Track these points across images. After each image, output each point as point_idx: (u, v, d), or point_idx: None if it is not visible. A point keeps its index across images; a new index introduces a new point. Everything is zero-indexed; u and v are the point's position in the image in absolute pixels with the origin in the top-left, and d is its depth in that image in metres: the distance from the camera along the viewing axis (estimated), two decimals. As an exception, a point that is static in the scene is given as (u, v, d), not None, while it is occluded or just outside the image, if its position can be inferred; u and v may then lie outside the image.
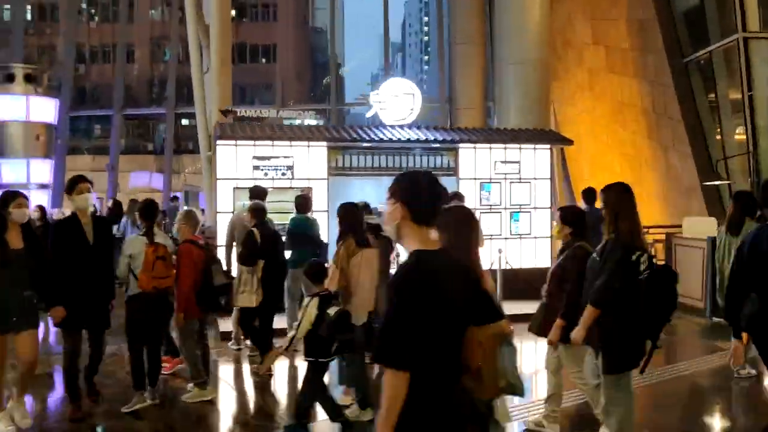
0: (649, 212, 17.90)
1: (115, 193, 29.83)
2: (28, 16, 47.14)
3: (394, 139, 10.33)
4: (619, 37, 19.52)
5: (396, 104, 10.63)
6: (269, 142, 10.10)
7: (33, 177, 22.77)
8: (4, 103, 22.44)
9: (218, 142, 9.90)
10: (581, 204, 9.39)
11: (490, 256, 9.97)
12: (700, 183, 15.12)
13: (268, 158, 10.14)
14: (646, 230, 13.00)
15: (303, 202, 8.23)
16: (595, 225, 9.20)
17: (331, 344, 4.90)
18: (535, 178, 11.35)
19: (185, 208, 6.92)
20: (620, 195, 4.16)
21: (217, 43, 18.19)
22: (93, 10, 47.40)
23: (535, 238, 11.39)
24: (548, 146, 11.32)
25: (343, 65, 74.40)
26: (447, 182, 10.92)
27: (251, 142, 10.04)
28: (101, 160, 33.37)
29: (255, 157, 10.08)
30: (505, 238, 11.23)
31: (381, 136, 10.35)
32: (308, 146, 10.30)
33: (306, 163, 10.31)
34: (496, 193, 11.20)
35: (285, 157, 10.20)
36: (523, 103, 15.15)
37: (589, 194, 9.21)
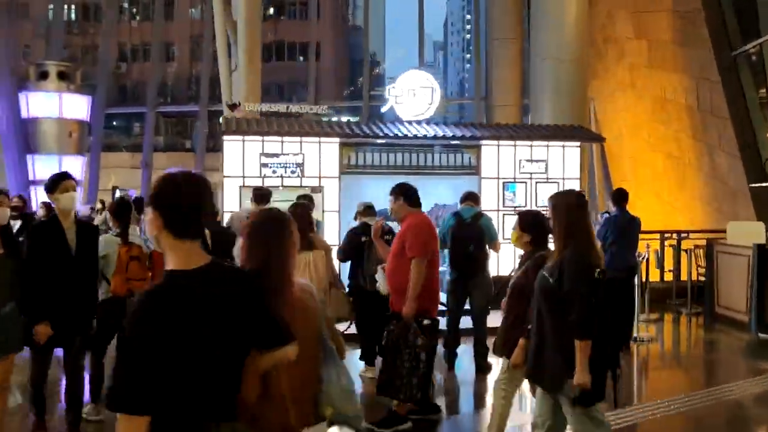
0: (693, 215, 16.92)
1: (150, 191, 29.85)
2: (73, 16, 47.96)
3: (411, 135, 9.71)
4: (662, 31, 18.55)
5: (413, 98, 9.99)
6: (278, 138, 9.59)
7: (65, 173, 22.76)
8: (38, 100, 22.51)
9: (224, 137, 9.43)
10: (610, 206, 8.61)
11: (513, 262, 9.27)
12: (748, 185, 14.09)
13: (277, 155, 9.63)
14: (685, 235, 12.22)
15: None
16: (625, 230, 8.48)
17: None
18: (563, 178, 10.59)
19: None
20: (572, 206, 3.61)
21: (245, 41, 17.85)
22: (135, 10, 47.89)
23: (563, 242, 10.61)
24: (578, 144, 10.55)
25: (383, 63, 73.92)
26: (469, 182, 10.27)
27: (259, 138, 9.54)
28: (139, 158, 33.59)
29: (263, 154, 9.58)
30: (530, 242, 10.48)
31: (396, 132, 9.73)
32: (319, 142, 9.75)
33: (317, 161, 9.77)
34: (521, 194, 10.48)
35: (295, 154, 9.68)
36: (559, 100, 14.49)
37: (618, 196, 8.43)
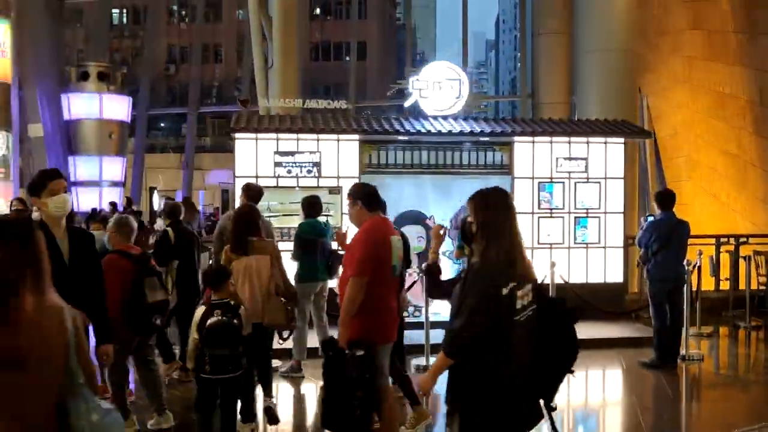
0: (754, 218, 15.67)
1: (189, 191, 29.89)
2: (124, 20, 48.79)
3: (436, 131, 8.97)
4: (721, 20, 17.33)
5: (439, 92, 9.25)
6: (293, 136, 8.99)
7: (105, 174, 22.83)
8: (79, 102, 22.60)
9: (236, 135, 8.87)
10: (655, 209, 7.69)
11: (548, 268, 8.42)
12: (816, 185, 12.84)
13: (292, 154, 9.03)
14: (745, 239, 11.12)
15: (311, 203, 7.04)
16: (671, 236, 7.57)
17: (212, 359, 4.47)
18: (605, 178, 9.68)
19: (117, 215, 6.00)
20: (490, 206, 3.19)
21: (279, 38, 17.38)
22: (184, 12, 48.39)
23: (605, 247, 9.71)
24: (621, 140, 9.62)
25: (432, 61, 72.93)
26: (500, 182, 9.46)
27: (273, 136, 8.95)
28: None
29: (277, 153, 9.00)
30: (569, 248, 9.62)
31: (420, 128, 9.01)
32: (338, 140, 9.11)
33: (335, 160, 9.13)
34: (559, 195, 9.62)
35: (311, 152, 9.06)
36: (606, 94, 13.65)
37: (663, 198, 7.52)
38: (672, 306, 7.47)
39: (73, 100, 22.54)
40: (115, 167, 23.20)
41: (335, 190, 9.14)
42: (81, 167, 22.71)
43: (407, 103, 9.38)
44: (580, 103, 15.03)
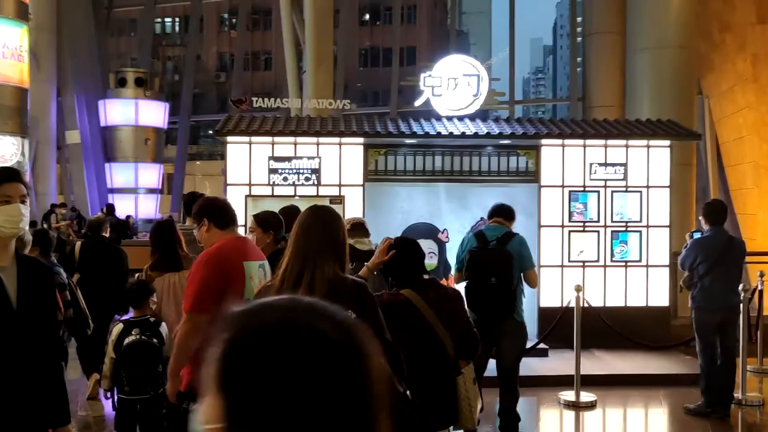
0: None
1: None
2: (176, 28, 49.34)
3: (450, 133, 7.92)
4: (792, 12, 15.69)
5: (454, 90, 8.21)
6: (290, 140, 8.08)
7: (141, 181, 22.53)
8: (115, 108, 22.39)
9: (228, 138, 8.03)
10: (703, 224, 6.42)
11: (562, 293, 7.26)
12: None
13: (289, 159, 8.14)
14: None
15: (291, 213, 6.05)
16: (722, 256, 6.32)
17: (130, 379, 4.24)
18: (647, 186, 8.43)
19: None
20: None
21: (312, 42, 16.60)
22: (234, 20, 48.53)
23: (647, 266, 8.45)
24: (667, 143, 8.35)
25: (490, 69, 71.47)
26: (525, 191, 8.34)
27: (268, 140, 8.07)
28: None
29: (272, 158, 8.11)
30: (604, 266, 8.40)
31: (432, 130, 7.98)
32: (339, 144, 8.17)
33: (337, 166, 8.19)
34: (593, 206, 8.43)
35: (310, 157, 8.14)
36: (659, 96, 12.39)
37: (711, 211, 6.26)
38: (723, 341, 6.20)
39: (110, 107, 22.35)
40: (151, 174, 22.88)
41: (337, 200, 8.19)
42: (117, 174, 22.49)
43: (418, 103, 8.36)
44: (631, 105, 13.74)
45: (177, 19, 48.78)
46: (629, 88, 14.59)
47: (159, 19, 48.16)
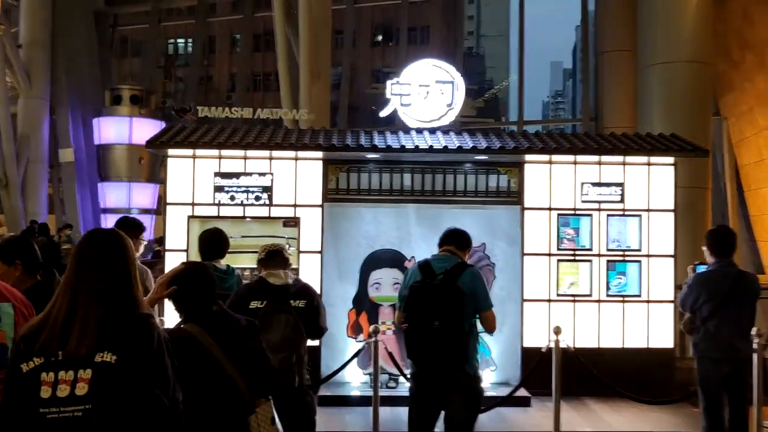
0: None
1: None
2: (189, 49, 49.16)
3: (416, 147, 6.93)
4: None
5: (426, 98, 7.24)
6: (240, 153, 7.15)
7: (134, 201, 21.79)
8: (109, 126, 21.76)
9: (170, 152, 7.11)
10: (708, 255, 5.32)
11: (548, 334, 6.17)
12: None
13: (237, 175, 7.19)
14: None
15: (209, 240, 5.08)
16: (730, 295, 5.24)
17: None
18: (648, 210, 7.36)
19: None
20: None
21: (306, 56, 15.77)
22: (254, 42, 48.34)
23: (648, 301, 7.34)
24: (670, 161, 7.29)
25: (506, 90, 70.75)
26: (507, 213, 7.31)
27: (215, 153, 7.14)
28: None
29: (218, 174, 7.18)
30: (598, 301, 7.31)
31: (395, 144, 7.00)
32: (295, 159, 7.22)
33: (292, 183, 7.23)
34: (585, 232, 7.38)
35: (261, 174, 7.20)
36: (671, 113, 11.46)
37: (718, 240, 5.18)
38: (732, 398, 5.08)
39: (104, 125, 21.71)
40: (144, 194, 22.14)
41: (291, 222, 7.24)
42: (110, 193, 21.79)
43: (384, 113, 7.38)
44: (643, 123, 12.68)
45: (189, 40, 48.62)
46: (641, 106, 13.60)
47: (172, 40, 48.13)
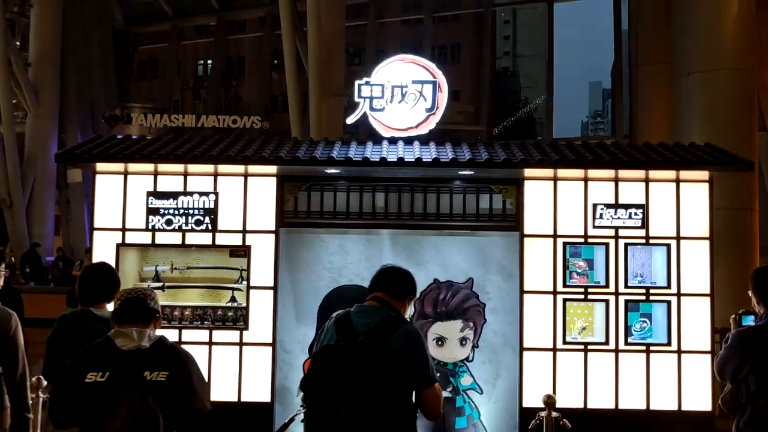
0: None
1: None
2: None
3: (385, 161, 5.66)
4: None
5: (400, 101, 6.00)
6: (180, 168, 5.98)
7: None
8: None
9: (98, 166, 5.99)
10: (755, 304, 3.90)
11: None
12: None
13: (174, 195, 6.02)
14: None
15: (91, 278, 3.88)
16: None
17: None
18: (678, 237, 5.95)
19: None
20: None
21: (315, 72, 14.70)
22: (276, 61, 47.90)
23: (679, 351, 5.90)
24: (705, 177, 5.88)
25: (545, 111, 69.01)
26: (502, 241, 6.01)
27: (150, 168, 5.99)
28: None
29: (152, 194, 6.02)
30: (616, 350, 5.90)
31: (358, 156, 5.73)
32: (245, 175, 6.03)
33: (240, 205, 6.04)
34: (600, 265, 5.99)
35: (203, 193, 6.02)
36: (711, 124, 10.12)
37: (764, 281, 3.78)
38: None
39: (111, 144, 20.93)
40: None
41: (240, 252, 6.03)
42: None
43: (351, 119, 6.13)
44: (679, 132, 11.27)
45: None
46: (678, 119, 12.19)
47: (201, 60, 47.92)
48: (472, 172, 5.71)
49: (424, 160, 5.48)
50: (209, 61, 49.76)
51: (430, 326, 5.76)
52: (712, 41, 10.92)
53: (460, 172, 5.72)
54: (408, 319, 3.20)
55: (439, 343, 5.76)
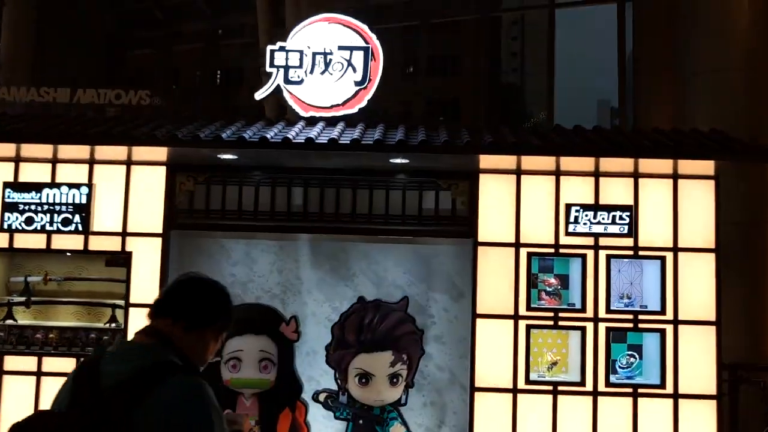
0: None
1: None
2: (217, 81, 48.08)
3: (289, 142, 4.37)
4: None
5: (323, 72, 4.75)
6: (47, 151, 4.74)
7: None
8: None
9: (-56, 153, 4.75)
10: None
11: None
12: None
13: (38, 187, 4.78)
14: None
15: None
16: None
17: None
18: (675, 249, 4.66)
19: None
20: None
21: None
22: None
23: (675, 396, 4.58)
24: (710, 172, 4.59)
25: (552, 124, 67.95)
26: (454, 251, 4.70)
27: (10, 151, 4.76)
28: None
29: (9, 186, 4.78)
30: (593, 393, 4.58)
31: (262, 136, 4.45)
32: (127, 163, 4.78)
33: (121, 201, 4.79)
34: (575, 282, 4.70)
35: (73, 185, 4.77)
36: (718, 125, 8.70)
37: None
38: None
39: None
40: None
41: (119, 259, 4.77)
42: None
43: (260, 94, 4.86)
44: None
45: (218, 72, 47.50)
46: (685, 122, 10.96)
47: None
48: (406, 161, 4.44)
49: (340, 142, 4.20)
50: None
51: (351, 359, 4.46)
52: (717, 42, 9.76)
53: (392, 160, 4.45)
54: (197, 367, 1.90)
55: (363, 380, 4.46)
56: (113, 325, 4.87)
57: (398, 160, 4.41)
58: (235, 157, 4.46)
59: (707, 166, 4.52)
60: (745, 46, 9.66)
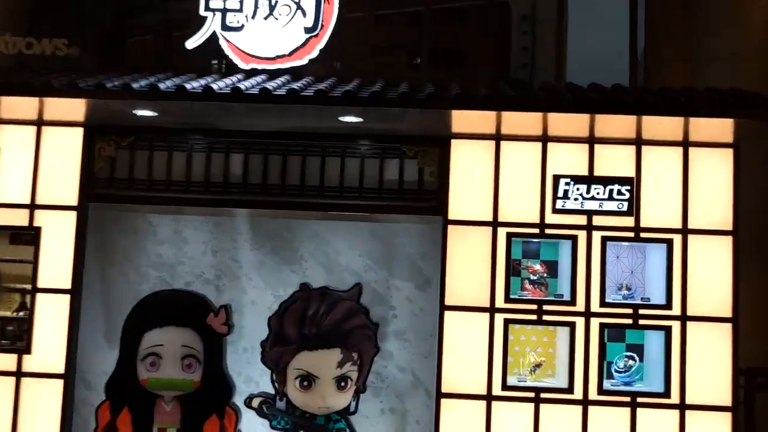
0: None
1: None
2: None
3: (212, 92, 3.62)
4: None
5: (267, 17, 4.03)
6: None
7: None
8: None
9: None
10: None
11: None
12: None
13: (-68, 151, 4.09)
14: None
15: None
16: None
17: None
18: (684, 230, 3.90)
19: None
20: None
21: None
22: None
23: (682, 406, 3.83)
24: (730, 137, 3.82)
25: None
26: (420, 231, 3.97)
27: None
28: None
29: None
30: (583, 402, 3.83)
31: (178, 85, 3.71)
32: (37, 124, 4.08)
33: (30, 167, 4.09)
34: (565, 269, 3.96)
35: (-27, 148, 4.08)
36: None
37: None
38: None
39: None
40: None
41: (24, 237, 4.08)
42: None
43: (192, 42, 4.12)
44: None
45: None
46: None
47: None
48: (359, 120, 3.70)
49: (274, 93, 3.47)
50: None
51: (291, 357, 3.73)
52: (728, 33, 9.03)
53: (341, 118, 3.71)
54: None
55: (305, 383, 3.73)
56: (22, 313, 4.17)
57: (349, 119, 3.67)
58: (155, 114, 3.75)
59: (725, 130, 3.76)
60: (759, 36, 8.98)
